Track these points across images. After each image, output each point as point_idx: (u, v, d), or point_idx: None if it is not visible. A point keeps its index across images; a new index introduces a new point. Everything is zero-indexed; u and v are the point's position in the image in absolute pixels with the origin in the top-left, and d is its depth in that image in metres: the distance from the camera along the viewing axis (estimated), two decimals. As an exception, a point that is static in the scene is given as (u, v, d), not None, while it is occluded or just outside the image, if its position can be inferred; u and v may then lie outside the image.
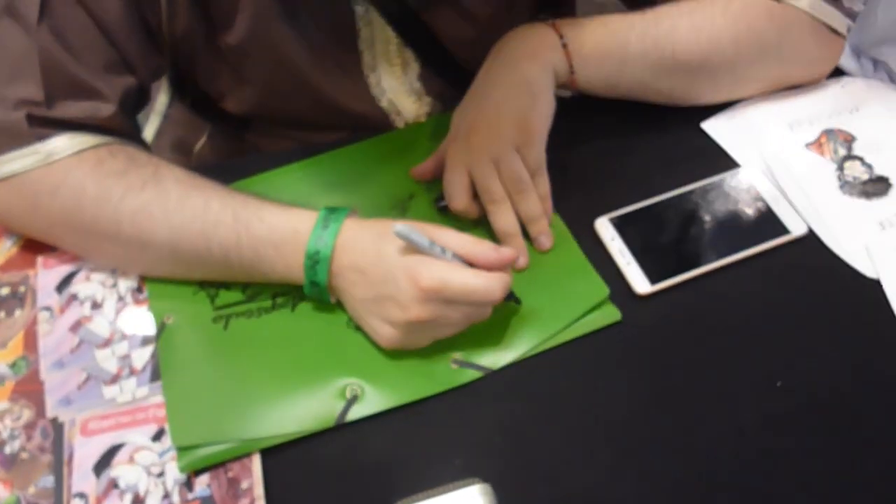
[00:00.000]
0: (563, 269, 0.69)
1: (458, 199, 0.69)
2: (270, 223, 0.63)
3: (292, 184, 0.76)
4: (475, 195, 0.69)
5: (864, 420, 0.61)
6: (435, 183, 0.74)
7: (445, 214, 0.72)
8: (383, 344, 0.63)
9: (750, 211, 0.71)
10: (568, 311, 0.67)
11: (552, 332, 0.66)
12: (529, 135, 0.70)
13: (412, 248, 0.60)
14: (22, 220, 0.69)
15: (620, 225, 0.71)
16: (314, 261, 0.62)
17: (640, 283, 0.67)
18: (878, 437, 0.60)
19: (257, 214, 0.63)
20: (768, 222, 0.70)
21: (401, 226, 0.58)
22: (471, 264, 0.61)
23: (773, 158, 0.74)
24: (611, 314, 0.67)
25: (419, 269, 0.59)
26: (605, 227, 0.71)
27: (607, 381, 0.64)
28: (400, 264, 0.60)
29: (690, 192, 0.73)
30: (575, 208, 0.72)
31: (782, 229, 0.70)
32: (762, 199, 0.72)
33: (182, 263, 0.67)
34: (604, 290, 0.68)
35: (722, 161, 0.75)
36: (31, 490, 0.60)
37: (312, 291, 0.64)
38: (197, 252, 0.64)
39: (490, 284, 0.60)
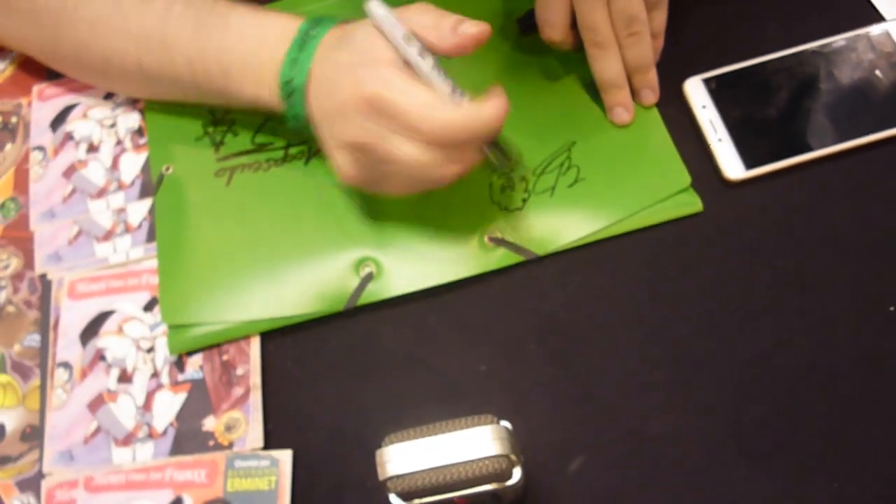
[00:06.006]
0: (637, 144, 0.58)
1: (554, 28, 0.56)
2: (237, 31, 0.53)
3: None
4: (573, 24, 0.57)
5: None
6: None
7: (526, 35, 0.60)
8: (341, 177, 0.51)
9: (888, 82, 0.58)
10: (637, 196, 0.56)
11: (615, 218, 0.55)
12: None
13: (382, 44, 0.46)
14: None
15: (716, 88, 0.59)
16: (289, 90, 0.51)
17: (732, 166, 0.56)
18: None
19: (224, 20, 0.54)
20: (911, 99, 0.58)
21: (376, 2, 0.44)
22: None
23: (932, 12, 0.61)
24: (690, 203, 0.56)
25: (364, 71, 0.46)
26: (696, 90, 0.59)
27: (676, 286, 0.54)
28: (351, 62, 0.47)
29: (813, 52, 0.60)
30: (661, 62, 0.59)
31: (928, 109, 0.57)
32: (907, 68, 0.59)
33: (153, 81, 0.58)
34: (685, 178, 0.56)
35: (862, 11, 0.62)
36: (17, 349, 0.57)
37: (293, 125, 0.54)
38: (162, 67, 0.56)
39: (462, 119, 0.45)
